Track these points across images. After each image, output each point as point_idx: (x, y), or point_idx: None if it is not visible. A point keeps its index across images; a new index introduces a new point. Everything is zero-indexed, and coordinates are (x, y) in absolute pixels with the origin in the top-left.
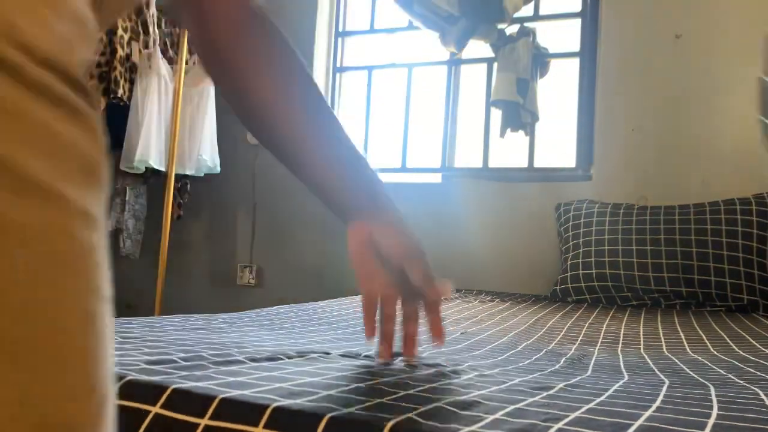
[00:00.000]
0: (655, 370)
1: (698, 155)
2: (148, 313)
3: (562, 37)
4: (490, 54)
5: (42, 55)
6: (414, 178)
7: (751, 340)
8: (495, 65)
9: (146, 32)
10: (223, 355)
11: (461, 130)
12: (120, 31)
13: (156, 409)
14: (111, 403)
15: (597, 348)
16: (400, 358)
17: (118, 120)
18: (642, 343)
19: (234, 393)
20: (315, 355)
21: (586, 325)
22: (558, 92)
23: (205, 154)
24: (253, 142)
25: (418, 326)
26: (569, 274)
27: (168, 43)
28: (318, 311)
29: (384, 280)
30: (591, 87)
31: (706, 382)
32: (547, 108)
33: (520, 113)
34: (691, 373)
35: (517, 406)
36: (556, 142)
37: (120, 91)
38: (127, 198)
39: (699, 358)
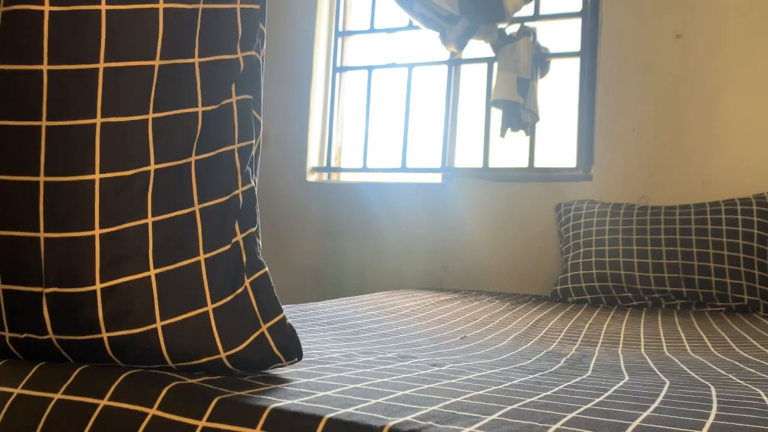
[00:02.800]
0: (656, 370)
1: (698, 155)
2: None
3: (562, 36)
4: (491, 54)
5: None
6: (414, 178)
7: (752, 341)
8: (495, 65)
9: None
10: None
11: (461, 130)
12: None
13: (153, 411)
14: None
15: (597, 348)
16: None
17: None
18: (642, 343)
19: (232, 394)
20: (313, 356)
21: (587, 325)
22: (558, 92)
23: None
24: None
25: None
26: (569, 274)
27: None
28: (317, 311)
29: None
30: (591, 87)
31: (706, 383)
32: (548, 108)
33: (520, 113)
34: (691, 373)
35: (515, 406)
36: (557, 142)
37: None
38: None
39: (699, 358)
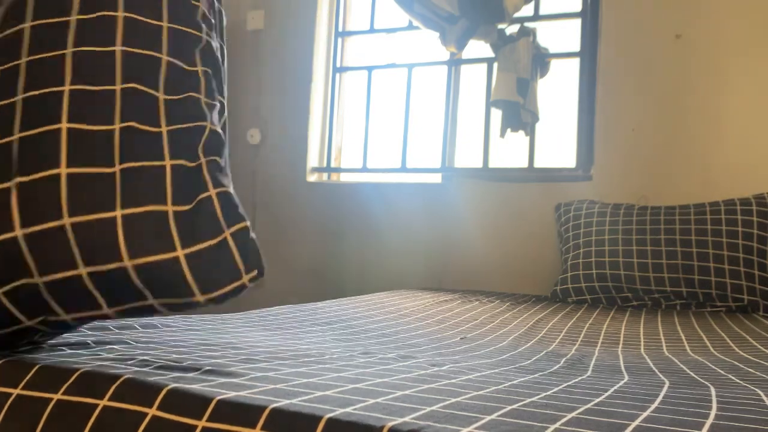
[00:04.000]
0: (656, 370)
1: (698, 155)
2: None
3: (562, 37)
4: (490, 54)
5: None
6: (414, 178)
7: (752, 341)
8: (495, 65)
9: None
10: (220, 356)
11: (461, 130)
12: None
13: (153, 411)
14: None
15: (597, 349)
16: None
17: None
18: (642, 343)
19: (232, 394)
20: (313, 356)
21: (587, 325)
22: (558, 92)
23: None
24: (252, 142)
25: None
26: (569, 274)
27: None
28: (317, 312)
29: None
30: (591, 87)
31: (706, 383)
32: (547, 108)
33: (520, 113)
34: (691, 373)
35: (515, 406)
36: (556, 142)
37: None
38: None
39: (699, 358)
